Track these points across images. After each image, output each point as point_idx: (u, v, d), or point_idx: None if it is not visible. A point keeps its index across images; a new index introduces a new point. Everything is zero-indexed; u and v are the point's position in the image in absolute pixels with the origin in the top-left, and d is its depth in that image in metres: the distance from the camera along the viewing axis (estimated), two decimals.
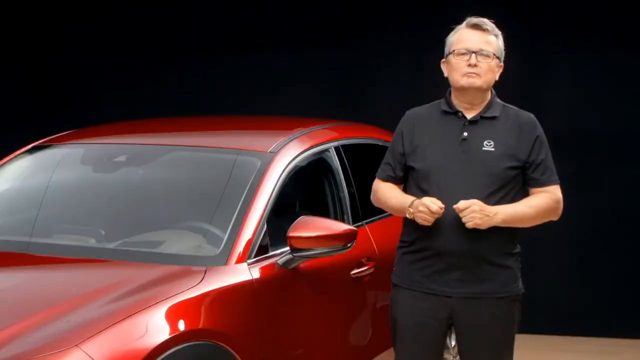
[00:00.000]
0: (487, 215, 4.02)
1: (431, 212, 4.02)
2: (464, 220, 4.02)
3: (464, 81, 4.13)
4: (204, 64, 8.36)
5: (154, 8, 8.52)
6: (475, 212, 4.01)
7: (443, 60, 4.23)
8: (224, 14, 8.37)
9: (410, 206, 4.10)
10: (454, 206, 4.02)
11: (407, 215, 4.13)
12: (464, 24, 4.20)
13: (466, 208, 4.01)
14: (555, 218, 4.26)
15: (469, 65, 4.11)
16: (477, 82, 4.13)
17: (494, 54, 4.14)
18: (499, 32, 4.21)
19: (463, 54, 4.13)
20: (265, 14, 8.32)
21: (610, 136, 7.71)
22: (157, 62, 8.46)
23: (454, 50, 4.15)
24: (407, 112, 4.33)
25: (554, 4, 7.76)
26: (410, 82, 7.75)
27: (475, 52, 4.12)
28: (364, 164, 5.04)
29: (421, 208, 4.04)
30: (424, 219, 4.05)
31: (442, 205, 4.03)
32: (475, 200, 4.02)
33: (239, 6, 8.36)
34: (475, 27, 4.17)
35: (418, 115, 4.28)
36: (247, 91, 8.27)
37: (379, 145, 5.39)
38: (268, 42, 8.26)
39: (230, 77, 8.28)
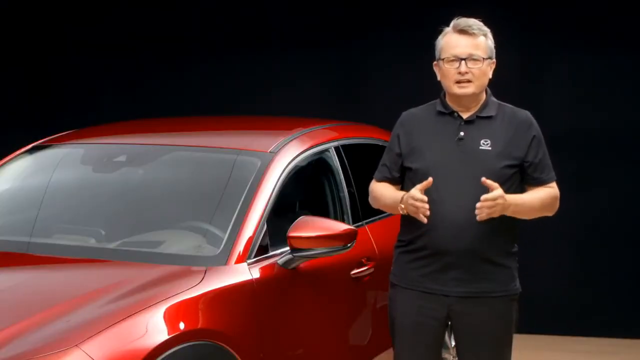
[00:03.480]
0: (504, 207, 4.00)
1: (416, 200, 3.99)
2: (483, 211, 3.96)
3: (456, 90, 4.13)
4: (204, 64, 8.36)
5: (154, 8, 8.52)
6: (499, 205, 3.97)
7: (435, 62, 4.23)
8: (224, 14, 8.37)
9: (401, 202, 4.11)
10: (483, 180, 3.96)
11: (401, 212, 4.14)
12: (451, 27, 4.17)
13: (495, 199, 3.95)
14: (551, 214, 4.27)
15: (459, 73, 4.10)
16: (469, 89, 4.12)
17: (483, 58, 4.12)
18: (487, 30, 4.18)
19: (452, 61, 4.12)
20: (265, 14, 8.32)
21: (610, 136, 7.71)
22: (157, 62, 8.46)
23: (443, 58, 4.14)
24: (403, 114, 4.33)
25: (554, 4, 7.76)
26: (410, 82, 7.75)
27: (464, 58, 4.10)
28: (364, 164, 5.04)
29: (410, 202, 4.04)
30: (415, 213, 4.04)
31: (424, 198, 3.99)
32: (501, 192, 3.96)
33: (239, 6, 8.36)
34: (462, 32, 4.13)
35: (414, 116, 4.28)
36: (247, 91, 8.27)
37: (379, 145, 5.39)
38: (268, 42, 8.27)
39: (230, 77, 8.28)
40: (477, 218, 4.00)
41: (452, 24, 4.18)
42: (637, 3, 7.61)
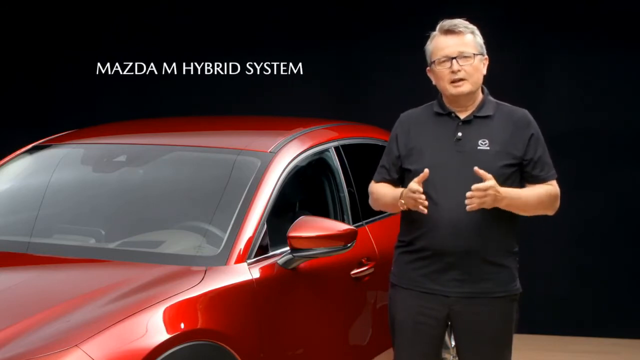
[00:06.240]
0: (497, 199, 4.00)
1: (414, 192, 4.00)
2: (473, 200, 3.96)
3: (452, 90, 4.14)
4: (204, 64, 8.36)
5: (154, 8, 8.52)
6: (490, 196, 3.97)
7: (428, 68, 4.24)
8: (224, 14, 8.37)
9: (400, 197, 4.11)
10: (476, 169, 3.97)
11: (401, 208, 4.14)
12: (437, 30, 4.20)
13: (486, 189, 3.95)
14: (552, 212, 4.26)
15: (452, 72, 4.12)
16: (465, 88, 4.14)
17: (474, 53, 4.14)
18: (473, 28, 4.19)
19: (444, 61, 4.13)
20: (266, 14, 8.33)
21: (610, 136, 7.71)
22: (158, 62, 8.46)
23: (434, 60, 4.16)
24: (401, 115, 4.35)
25: (554, 4, 7.77)
26: (409, 82, 7.72)
27: (455, 57, 4.12)
28: (364, 164, 5.04)
29: (408, 195, 4.04)
30: (414, 206, 4.04)
31: (420, 189, 3.99)
32: (493, 183, 3.96)
33: (239, 6, 8.36)
34: (449, 32, 4.16)
35: (412, 118, 4.30)
36: (247, 91, 8.27)
37: (379, 145, 5.39)
38: (268, 42, 8.27)
39: (230, 77, 8.28)
40: (468, 208, 3.99)
41: (437, 27, 4.20)
42: (638, 3, 7.61)
